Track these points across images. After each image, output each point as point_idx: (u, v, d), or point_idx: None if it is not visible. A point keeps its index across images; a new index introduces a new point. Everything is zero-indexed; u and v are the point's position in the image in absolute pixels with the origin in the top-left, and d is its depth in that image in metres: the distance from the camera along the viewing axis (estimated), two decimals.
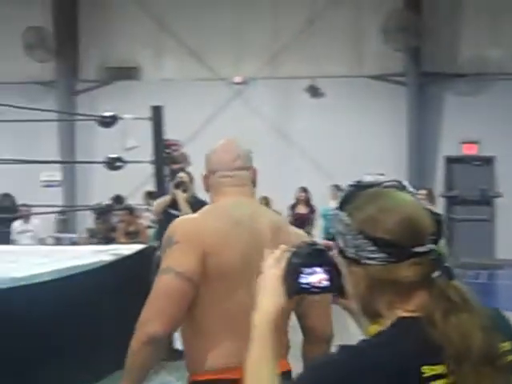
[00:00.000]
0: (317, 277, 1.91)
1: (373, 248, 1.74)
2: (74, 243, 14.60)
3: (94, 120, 8.60)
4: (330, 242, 1.96)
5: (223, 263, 2.84)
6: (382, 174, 15.46)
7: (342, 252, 1.81)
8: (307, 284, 1.91)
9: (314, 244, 1.97)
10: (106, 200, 13.33)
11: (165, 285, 2.76)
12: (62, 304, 6.31)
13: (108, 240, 11.15)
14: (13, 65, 17.27)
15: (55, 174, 16.61)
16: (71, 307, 6.45)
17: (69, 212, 16.52)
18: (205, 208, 3.07)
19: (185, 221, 2.99)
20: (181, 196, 8.54)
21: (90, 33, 17.33)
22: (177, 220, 2.99)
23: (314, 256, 1.93)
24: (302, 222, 14.70)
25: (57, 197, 15.89)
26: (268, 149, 16.19)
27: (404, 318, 1.75)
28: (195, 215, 3.02)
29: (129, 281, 7.79)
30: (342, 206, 1.82)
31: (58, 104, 16.45)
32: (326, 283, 1.91)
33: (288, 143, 16.36)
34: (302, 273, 1.90)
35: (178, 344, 8.31)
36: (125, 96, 15.78)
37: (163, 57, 17.21)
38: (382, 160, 15.88)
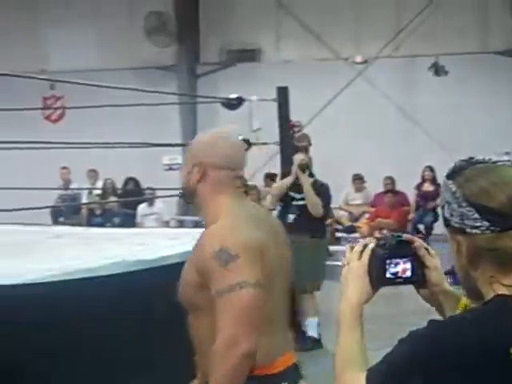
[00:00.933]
0: (401, 267, 2.02)
1: (477, 216, 1.75)
2: (196, 225, 14.67)
3: (220, 102, 8.58)
4: (411, 236, 2.11)
5: (267, 267, 2.78)
6: (508, 153, 14.99)
7: (446, 221, 1.84)
8: (393, 274, 2.01)
9: (398, 236, 2.07)
10: None
11: (248, 299, 2.68)
12: None
13: None
14: (134, 50, 17.51)
15: (177, 157, 16.74)
16: None
17: None
18: (228, 212, 2.86)
19: (231, 231, 2.79)
20: (307, 180, 8.42)
21: (211, 16, 17.37)
22: (216, 231, 2.80)
23: (398, 247, 2.03)
24: (428, 199, 14.47)
25: (179, 180, 16.01)
26: (391, 129, 15.95)
27: (500, 295, 1.74)
28: (229, 222, 2.82)
29: None
30: (452, 175, 1.85)
31: (180, 88, 16.57)
32: (408, 274, 2.03)
33: (411, 122, 16.02)
34: (388, 264, 2.01)
35: (311, 331, 8.23)
36: (246, 78, 15.75)
37: (284, 38, 17.10)
38: (510, 138, 15.39)
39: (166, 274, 5.96)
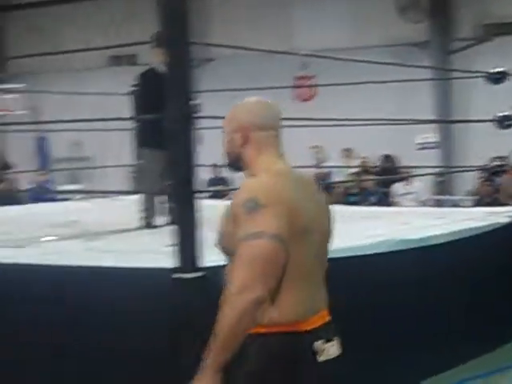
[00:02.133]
0: None
1: None
2: (455, 205, 14.33)
3: (481, 77, 8.27)
4: None
5: (298, 223, 2.81)
6: None
7: None
8: None
9: None
10: (483, 161, 12.90)
11: (261, 249, 2.71)
12: (457, 266, 6.17)
13: (492, 202, 10.76)
14: (385, 28, 17.34)
15: (430, 135, 16.41)
16: (466, 270, 6.29)
17: (446, 174, 16.31)
18: (270, 170, 2.94)
19: (265, 184, 2.86)
20: None
21: None
22: (251, 182, 2.92)
23: None
24: None
25: (431, 158, 15.69)
26: None
27: None
28: (266, 177, 2.90)
29: None
30: None
31: (433, 64, 16.23)
32: None
33: None
34: None
35: None
36: (504, 53, 15.11)
37: None
38: None
39: (433, 253, 5.87)
